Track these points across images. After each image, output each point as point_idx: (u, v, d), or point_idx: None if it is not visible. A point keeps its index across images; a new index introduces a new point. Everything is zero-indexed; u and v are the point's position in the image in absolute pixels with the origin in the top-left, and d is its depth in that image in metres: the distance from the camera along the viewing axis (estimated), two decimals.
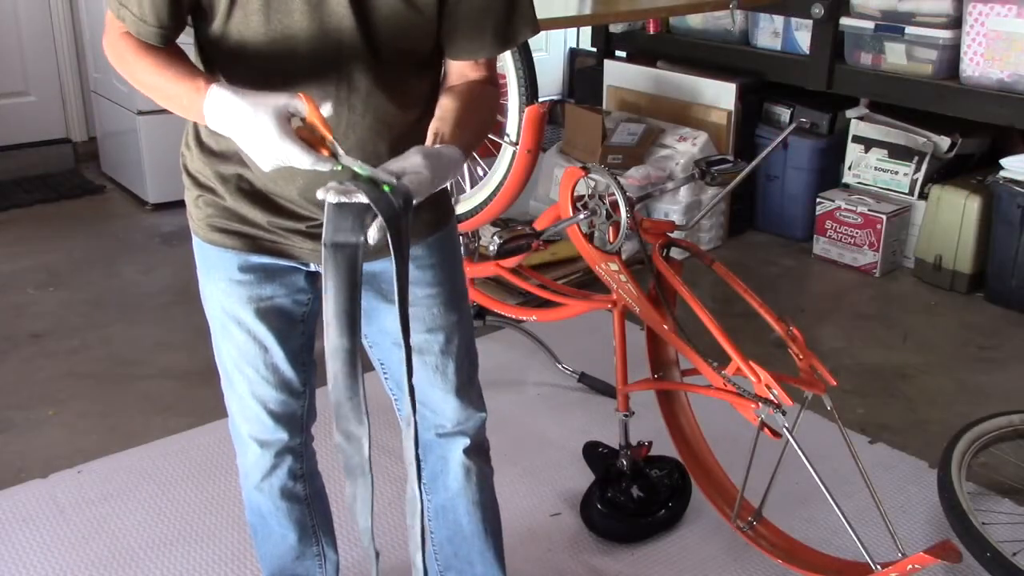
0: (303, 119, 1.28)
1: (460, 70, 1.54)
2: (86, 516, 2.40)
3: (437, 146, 1.40)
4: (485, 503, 1.81)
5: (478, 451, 1.78)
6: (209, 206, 1.57)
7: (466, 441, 1.74)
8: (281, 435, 1.71)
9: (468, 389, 1.72)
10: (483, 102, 1.53)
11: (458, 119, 1.45)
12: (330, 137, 1.29)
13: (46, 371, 3.08)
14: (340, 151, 1.30)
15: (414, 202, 1.31)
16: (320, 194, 1.28)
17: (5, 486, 2.51)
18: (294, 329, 1.64)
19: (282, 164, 1.29)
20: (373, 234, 1.28)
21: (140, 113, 4.28)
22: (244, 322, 1.60)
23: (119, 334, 3.33)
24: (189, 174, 1.60)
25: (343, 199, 1.27)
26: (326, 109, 1.29)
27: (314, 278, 1.63)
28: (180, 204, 4.56)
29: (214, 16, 1.39)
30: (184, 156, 1.61)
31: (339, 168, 1.30)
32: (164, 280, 3.76)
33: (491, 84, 1.57)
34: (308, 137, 1.28)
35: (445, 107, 1.48)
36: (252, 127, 1.27)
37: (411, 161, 1.33)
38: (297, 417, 1.72)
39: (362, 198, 1.27)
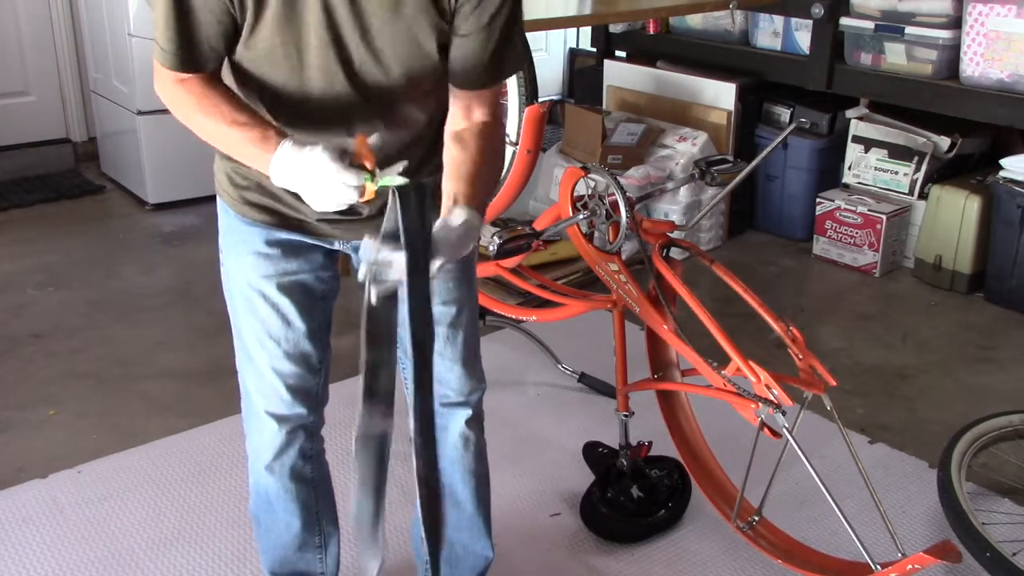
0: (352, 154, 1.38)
1: (467, 102, 1.59)
2: (86, 516, 2.40)
3: (463, 213, 1.47)
4: (479, 473, 1.88)
5: (477, 421, 1.84)
6: (244, 178, 1.63)
7: (468, 412, 1.81)
8: (298, 410, 1.74)
9: (473, 360, 1.79)
10: (490, 149, 1.59)
11: (470, 176, 1.52)
12: (370, 166, 1.38)
13: (46, 371, 3.08)
14: (378, 173, 1.39)
15: (439, 264, 1.40)
16: (360, 275, 1.37)
17: (5, 486, 2.51)
18: (315, 306, 1.71)
19: (333, 204, 1.38)
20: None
21: (140, 113, 4.28)
22: (269, 296, 1.66)
23: (119, 334, 3.33)
24: (219, 151, 1.66)
25: (380, 287, 1.37)
26: (374, 140, 1.39)
27: (335, 257, 1.73)
28: (180, 204, 4.60)
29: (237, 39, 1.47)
30: None
31: (376, 186, 1.38)
32: (164, 280, 3.76)
33: (496, 120, 1.63)
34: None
35: (456, 161, 1.54)
36: (310, 165, 1.36)
37: (456, 222, 1.43)
38: (313, 394, 1.76)
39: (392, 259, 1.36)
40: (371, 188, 1.37)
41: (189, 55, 1.44)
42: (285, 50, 1.45)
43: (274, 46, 1.45)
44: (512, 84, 2.73)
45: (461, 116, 1.60)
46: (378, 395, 1.41)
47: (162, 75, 1.49)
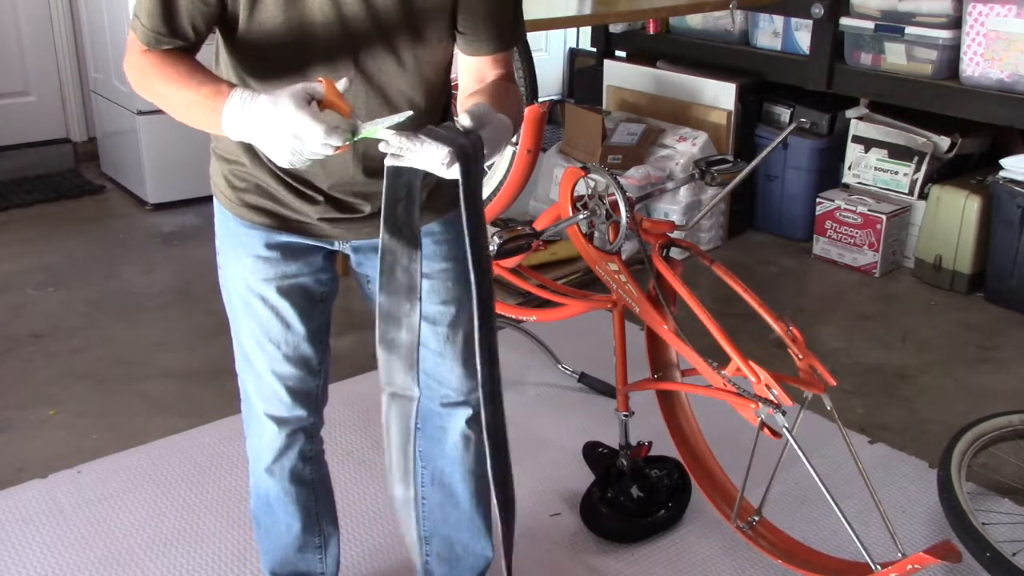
0: (320, 101, 1.30)
1: (479, 71, 1.58)
2: (86, 516, 2.40)
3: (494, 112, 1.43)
4: (479, 473, 1.87)
5: (478, 421, 1.83)
6: (242, 180, 1.61)
7: (468, 411, 1.80)
8: (298, 412, 1.74)
9: (473, 360, 1.76)
10: (510, 96, 1.56)
11: (491, 102, 1.47)
12: (347, 110, 1.31)
13: (46, 371, 3.08)
14: (359, 123, 1.32)
15: (490, 159, 1.36)
16: (382, 147, 1.31)
17: (5, 486, 2.51)
18: (315, 308, 1.70)
19: (299, 154, 1.30)
20: (443, 163, 1.29)
21: (140, 113, 4.28)
22: (268, 299, 1.65)
23: (119, 334, 3.33)
24: (216, 153, 1.66)
25: (402, 155, 1.30)
26: (341, 84, 1.33)
27: (334, 258, 1.71)
28: (180, 204, 4.59)
29: (237, 19, 1.44)
30: (213, 139, 1.66)
31: (353, 140, 1.31)
32: (164, 280, 3.76)
33: (512, 81, 1.61)
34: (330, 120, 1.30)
35: (473, 101, 1.49)
36: (270, 113, 1.29)
37: (496, 117, 1.40)
38: (313, 396, 1.76)
39: (421, 147, 1.28)
40: (349, 140, 1.29)
41: (169, 32, 1.43)
42: (288, 28, 1.44)
43: (276, 26, 1.43)
44: None
45: (474, 83, 1.58)
46: (398, 350, 1.37)
47: (132, 48, 1.47)
